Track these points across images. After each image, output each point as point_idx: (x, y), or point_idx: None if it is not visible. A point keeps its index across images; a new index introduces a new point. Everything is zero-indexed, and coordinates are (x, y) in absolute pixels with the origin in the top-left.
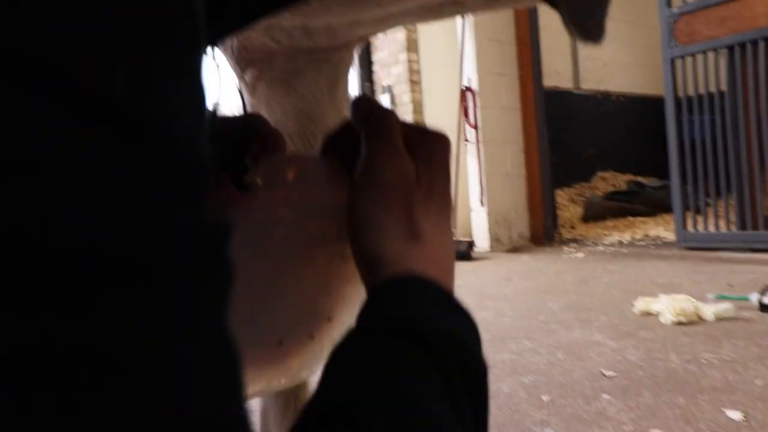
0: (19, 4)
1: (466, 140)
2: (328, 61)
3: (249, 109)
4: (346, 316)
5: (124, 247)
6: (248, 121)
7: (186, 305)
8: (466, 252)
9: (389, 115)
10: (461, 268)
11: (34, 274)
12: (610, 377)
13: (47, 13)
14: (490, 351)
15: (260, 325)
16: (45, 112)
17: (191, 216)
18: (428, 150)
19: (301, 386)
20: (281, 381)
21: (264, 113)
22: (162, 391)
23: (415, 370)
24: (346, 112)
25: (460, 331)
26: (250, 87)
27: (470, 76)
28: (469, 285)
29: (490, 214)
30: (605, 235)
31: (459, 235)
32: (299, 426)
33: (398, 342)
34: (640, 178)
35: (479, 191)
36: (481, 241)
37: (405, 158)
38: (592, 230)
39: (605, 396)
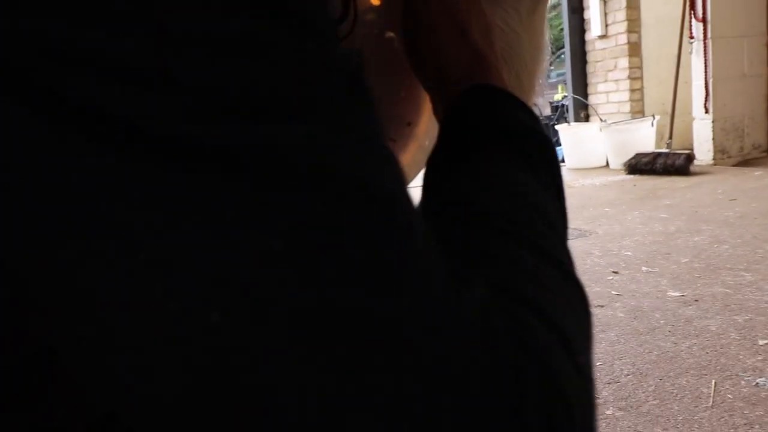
0: None
1: (691, 37)
2: None
3: None
4: (424, 122)
5: (313, 92)
6: None
7: (360, 119)
8: (682, 166)
9: None
10: (675, 184)
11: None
12: None
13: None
14: (698, 282)
15: None
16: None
17: (340, 63)
18: None
19: None
20: None
21: None
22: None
23: (507, 159)
24: (544, 45)
25: (532, 123)
26: None
27: None
28: (683, 204)
29: (716, 122)
30: None
31: (675, 148)
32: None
33: (490, 141)
34: None
35: (704, 96)
36: (703, 153)
37: None
38: None
39: None
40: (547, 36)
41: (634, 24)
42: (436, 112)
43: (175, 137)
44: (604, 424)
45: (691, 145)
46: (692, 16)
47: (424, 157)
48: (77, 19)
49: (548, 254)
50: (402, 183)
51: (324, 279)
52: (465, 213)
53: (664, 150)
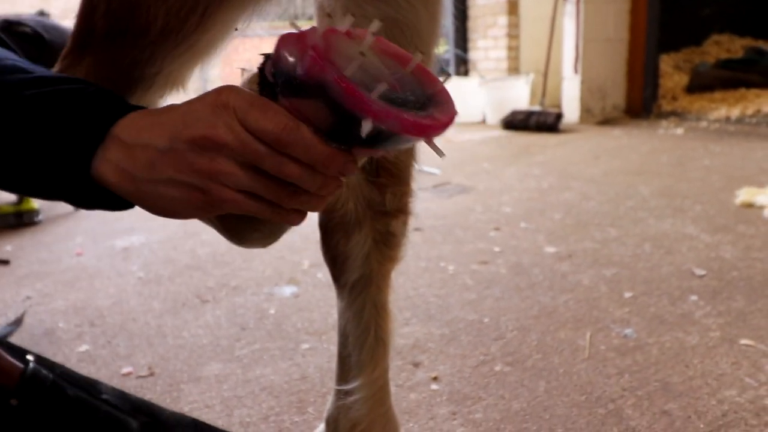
0: None
1: None
2: None
3: (320, 16)
4: None
5: None
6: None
7: None
8: (553, 124)
9: None
10: (547, 142)
11: None
12: (700, 276)
13: None
14: (571, 238)
15: None
16: None
17: None
18: None
19: (382, 315)
20: None
21: (341, 23)
22: None
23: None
24: (440, 14)
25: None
26: None
27: None
28: (554, 162)
29: (583, 82)
30: (711, 108)
31: (547, 106)
32: None
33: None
34: (762, 43)
35: (574, 57)
36: (571, 112)
37: None
38: (697, 103)
39: (693, 297)
40: (443, 3)
41: None
42: None
43: None
44: (494, 380)
45: (560, 103)
46: None
47: None
48: None
49: None
50: None
51: None
52: None
53: (537, 108)
